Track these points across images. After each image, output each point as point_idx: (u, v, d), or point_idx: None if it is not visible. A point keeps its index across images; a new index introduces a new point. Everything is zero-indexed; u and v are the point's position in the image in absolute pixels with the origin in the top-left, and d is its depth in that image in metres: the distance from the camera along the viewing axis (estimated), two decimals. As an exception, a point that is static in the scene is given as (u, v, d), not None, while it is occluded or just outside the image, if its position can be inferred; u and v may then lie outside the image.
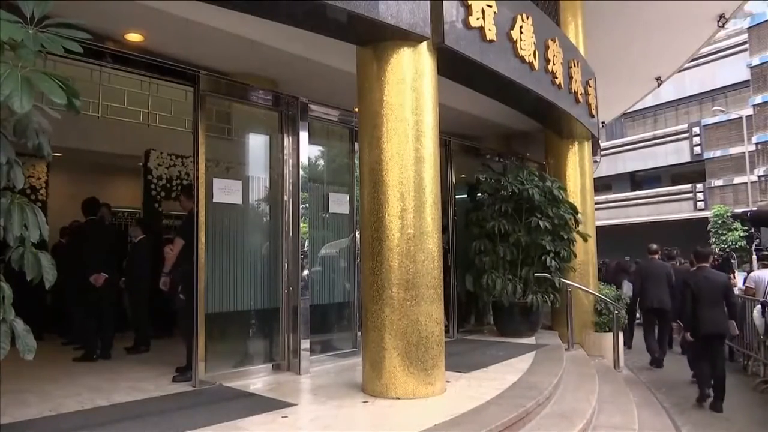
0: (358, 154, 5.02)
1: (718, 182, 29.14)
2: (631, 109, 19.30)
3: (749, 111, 27.09)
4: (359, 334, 5.11)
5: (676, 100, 32.00)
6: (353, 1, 3.77)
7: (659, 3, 8.28)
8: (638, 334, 9.56)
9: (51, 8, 2.40)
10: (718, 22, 9.45)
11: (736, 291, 9.74)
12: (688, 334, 6.29)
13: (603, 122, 13.16)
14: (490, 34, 4.92)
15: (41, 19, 2.36)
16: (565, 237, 7.18)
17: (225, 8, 3.98)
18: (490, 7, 4.95)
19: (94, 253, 6.02)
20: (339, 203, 6.02)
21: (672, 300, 8.10)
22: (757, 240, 16.15)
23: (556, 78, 6.36)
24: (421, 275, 4.20)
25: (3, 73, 2.19)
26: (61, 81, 2.36)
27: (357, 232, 5.82)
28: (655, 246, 9.22)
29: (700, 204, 29.31)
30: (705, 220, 27.42)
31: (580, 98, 7.25)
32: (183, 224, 5.39)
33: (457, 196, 7.89)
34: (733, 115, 27.37)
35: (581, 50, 7.83)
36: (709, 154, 29.79)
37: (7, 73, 2.20)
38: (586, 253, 7.80)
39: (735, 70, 28.86)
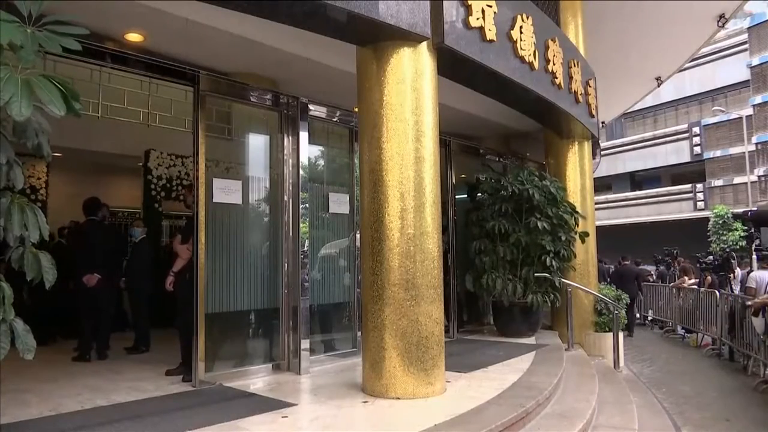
0: (358, 154, 5.02)
1: (718, 182, 29.16)
2: (631, 109, 19.31)
3: (749, 111, 27.10)
4: (359, 334, 5.11)
5: (676, 100, 32.02)
6: (353, 1, 3.76)
7: (659, 3, 8.27)
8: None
9: (46, 7, 2.39)
10: (718, 22, 9.44)
11: (737, 291, 9.81)
12: None
13: (603, 122, 13.16)
14: (490, 34, 4.92)
15: (38, 18, 2.35)
16: (563, 237, 7.18)
17: (225, 8, 3.98)
18: (490, 7, 4.95)
19: (89, 254, 6.00)
20: (339, 203, 6.02)
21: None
22: (757, 240, 16.13)
23: (556, 78, 6.36)
24: (421, 275, 4.20)
25: (3, 77, 2.18)
26: (61, 84, 2.35)
27: (357, 232, 5.82)
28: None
29: (700, 204, 29.34)
30: (705, 220, 27.43)
31: (580, 98, 7.25)
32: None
33: (457, 196, 7.88)
34: (733, 115, 27.38)
35: (581, 50, 7.82)
36: (709, 154, 29.81)
37: (7, 77, 2.19)
38: (586, 252, 7.80)
39: (735, 70, 28.88)
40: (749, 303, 7.45)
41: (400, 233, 4.19)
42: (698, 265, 11.97)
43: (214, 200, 4.95)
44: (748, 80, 27.64)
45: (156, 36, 4.62)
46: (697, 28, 9.72)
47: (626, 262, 13.24)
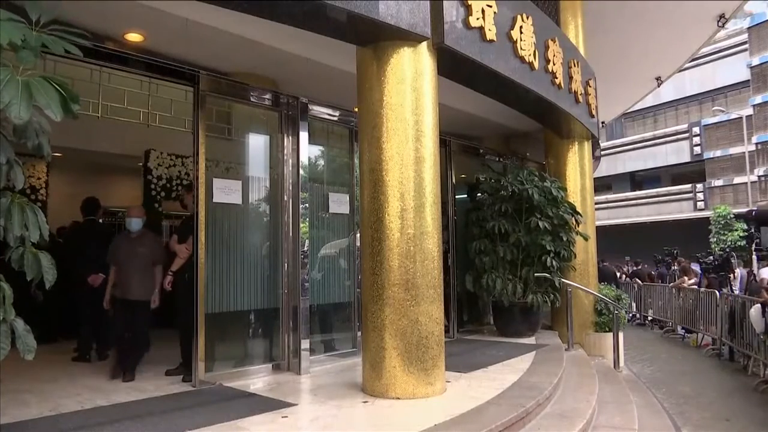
0: (358, 154, 5.02)
1: (718, 182, 29.16)
2: (631, 109, 19.32)
3: (749, 111, 27.09)
4: (359, 334, 5.11)
5: (676, 100, 32.02)
6: (353, 1, 3.76)
7: (659, 3, 8.27)
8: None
9: (57, 14, 2.39)
10: (718, 22, 9.45)
11: (737, 291, 9.82)
12: None
13: (603, 122, 13.16)
14: (490, 34, 4.92)
15: (37, 20, 2.35)
16: (565, 238, 7.18)
17: (225, 8, 3.98)
18: (490, 7, 4.95)
19: (87, 254, 5.98)
20: (339, 203, 6.02)
21: None
22: (757, 240, 16.14)
23: (556, 78, 6.36)
24: (421, 275, 4.20)
25: (3, 79, 2.18)
26: (60, 85, 2.35)
27: (357, 232, 5.82)
28: None
29: (700, 204, 29.34)
30: (705, 220, 27.42)
31: (580, 98, 7.25)
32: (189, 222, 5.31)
33: (457, 196, 7.88)
34: (733, 115, 27.37)
35: (581, 50, 7.82)
36: (709, 154, 29.81)
37: (8, 79, 2.19)
38: (586, 252, 7.79)
39: (735, 70, 28.87)
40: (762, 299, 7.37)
41: (400, 233, 4.19)
42: (699, 265, 11.97)
43: (214, 200, 4.95)
44: (748, 80, 27.63)
45: (156, 36, 4.62)
46: (697, 28, 9.72)
47: (606, 264, 14.69)
